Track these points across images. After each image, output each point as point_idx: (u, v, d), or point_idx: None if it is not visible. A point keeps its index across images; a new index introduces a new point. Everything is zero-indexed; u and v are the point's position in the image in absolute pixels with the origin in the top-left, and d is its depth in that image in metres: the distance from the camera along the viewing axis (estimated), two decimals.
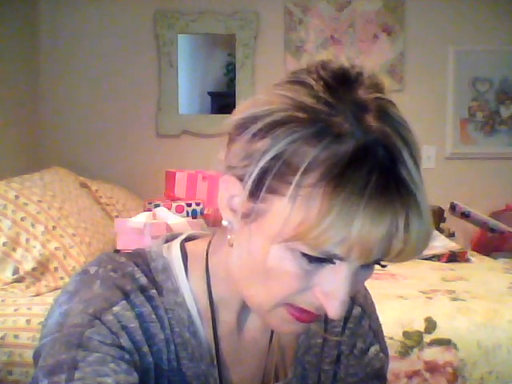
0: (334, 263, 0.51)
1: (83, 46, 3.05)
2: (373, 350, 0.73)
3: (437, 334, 1.43)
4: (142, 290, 0.61)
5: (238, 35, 3.04)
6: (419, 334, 1.43)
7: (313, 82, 0.52)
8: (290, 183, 0.49)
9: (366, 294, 0.76)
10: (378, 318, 0.76)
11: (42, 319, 1.69)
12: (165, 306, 0.62)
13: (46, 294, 1.65)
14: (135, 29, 3.06)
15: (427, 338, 1.43)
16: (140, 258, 0.64)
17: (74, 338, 0.55)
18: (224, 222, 0.57)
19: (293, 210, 0.49)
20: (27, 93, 2.91)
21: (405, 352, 1.41)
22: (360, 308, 0.74)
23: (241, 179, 0.54)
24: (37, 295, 1.64)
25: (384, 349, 0.75)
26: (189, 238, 0.69)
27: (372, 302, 0.77)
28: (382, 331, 0.76)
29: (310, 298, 0.54)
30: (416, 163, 0.50)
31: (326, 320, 0.71)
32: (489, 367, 1.40)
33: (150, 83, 3.06)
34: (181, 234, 0.70)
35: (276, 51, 3.04)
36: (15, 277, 1.72)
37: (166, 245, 0.67)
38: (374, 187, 0.47)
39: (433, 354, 1.42)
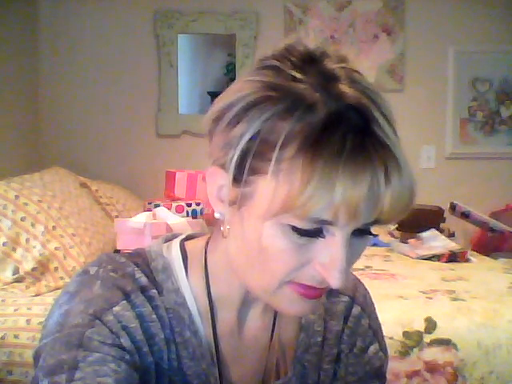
0: (324, 237, 0.52)
1: (83, 46, 3.05)
2: (372, 348, 0.74)
3: (437, 334, 1.43)
4: (143, 290, 0.61)
5: (238, 35, 3.04)
6: (419, 334, 1.43)
7: (279, 64, 0.54)
8: (270, 160, 0.50)
9: (366, 294, 0.76)
10: (377, 318, 0.77)
11: (42, 319, 1.68)
12: (165, 305, 0.62)
13: (46, 293, 1.65)
14: (135, 29, 3.06)
15: (427, 338, 1.42)
16: (140, 258, 0.64)
17: (75, 338, 0.55)
18: (216, 215, 0.58)
19: (277, 185, 0.50)
20: (27, 93, 2.91)
21: (405, 352, 1.41)
22: (360, 307, 0.74)
23: (225, 168, 0.55)
24: (37, 295, 1.64)
25: (383, 348, 0.76)
26: (188, 238, 0.69)
27: (371, 301, 0.77)
28: (381, 331, 0.77)
29: (311, 272, 0.54)
30: (389, 122, 0.52)
31: (326, 319, 0.72)
32: (489, 367, 1.40)
33: (150, 83, 3.07)
34: (180, 233, 0.70)
35: None
36: (15, 277, 1.72)
37: (165, 244, 0.68)
38: (350, 148, 0.49)
39: (433, 353, 1.41)
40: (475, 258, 2.27)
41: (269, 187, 0.51)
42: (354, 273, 0.77)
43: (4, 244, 1.72)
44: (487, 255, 2.44)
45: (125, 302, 0.59)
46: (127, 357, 0.56)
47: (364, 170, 0.48)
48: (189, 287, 0.64)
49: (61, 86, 3.04)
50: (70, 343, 0.55)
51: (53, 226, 1.80)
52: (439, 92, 3.12)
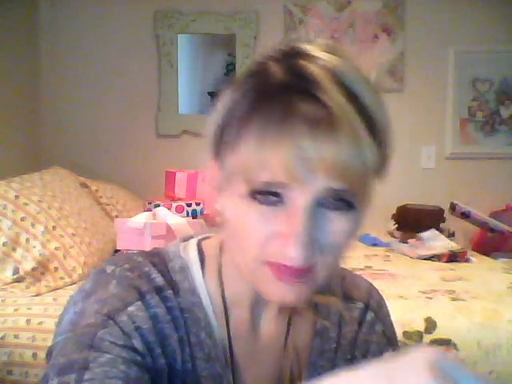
0: (285, 203, 0.53)
1: (83, 45, 3.05)
2: (386, 355, 0.73)
3: (437, 334, 1.43)
4: (158, 290, 0.61)
5: (238, 35, 3.04)
6: (419, 334, 1.43)
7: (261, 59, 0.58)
8: (235, 134, 0.54)
9: (380, 301, 0.76)
10: (391, 324, 0.76)
11: (42, 319, 1.68)
12: (181, 306, 0.62)
13: (46, 293, 1.65)
14: (135, 29, 3.06)
15: (427, 338, 1.42)
16: (158, 258, 0.64)
17: (87, 338, 0.55)
18: (216, 206, 0.59)
19: (237, 157, 0.54)
20: (27, 93, 2.91)
21: None
22: (373, 313, 0.73)
23: (212, 158, 0.58)
24: (37, 295, 1.64)
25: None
26: (205, 238, 0.69)
27: (386, 307, 0.76)
28: (396, 338, 0.76)
29: (278, 247, 0.53)
30: (341, 86, 0.52)
31: (341, 325, 0.71)
32: (489, 367, 1.40)
33: (150, 83, 3.06)
34: (197, 234, 0.71)
35: None
36: (15, 277, 1.72)
37: (182, 244, 0.67)
38: (281, 113, 0.51)
39: None
40: (475, 258, 2.27)
41: (233, 161, 0.54)
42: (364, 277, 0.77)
43: (4, 244, 1.72)
44: (487, 255, 2.44)
45: (140, 302, 0.59)
46: (138, 359, 0.56)
47: (292, 129, 0.50)
48: (205, 288, 0.64)
49: (61, 86, 3.04)
50: (81, 343, 0.55)
51: (53, 226, 1.80)
52: (439, 92, 3.12)
